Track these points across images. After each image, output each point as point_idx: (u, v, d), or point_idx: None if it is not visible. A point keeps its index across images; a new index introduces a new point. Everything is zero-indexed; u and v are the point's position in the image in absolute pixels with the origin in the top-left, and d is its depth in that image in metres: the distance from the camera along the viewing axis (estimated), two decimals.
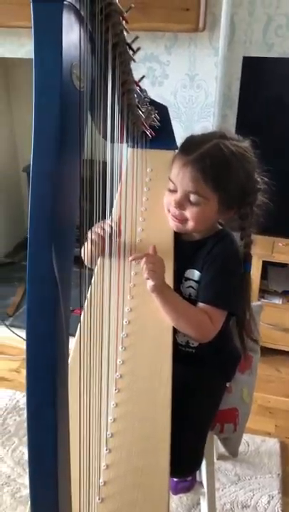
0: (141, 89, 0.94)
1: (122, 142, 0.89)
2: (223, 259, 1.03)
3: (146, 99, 1.01)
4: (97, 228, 0.96)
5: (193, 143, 1.01)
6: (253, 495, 1.55)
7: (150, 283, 0.95)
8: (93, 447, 0.79)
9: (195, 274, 1.06)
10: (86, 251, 1.01)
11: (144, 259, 0.95)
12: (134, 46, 0.78)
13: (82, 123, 0.61)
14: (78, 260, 0.73)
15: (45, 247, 0.56)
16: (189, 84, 2.09)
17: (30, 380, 0.56)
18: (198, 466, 1.04)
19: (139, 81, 0.87)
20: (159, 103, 1.14)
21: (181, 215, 1.03)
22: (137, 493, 0.83)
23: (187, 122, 2.12)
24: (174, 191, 1.03)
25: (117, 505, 0.81)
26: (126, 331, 1.01)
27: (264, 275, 2.18)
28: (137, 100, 0.92)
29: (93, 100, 0.73)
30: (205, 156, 0.98)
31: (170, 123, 1.19)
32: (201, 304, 1.02)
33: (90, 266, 1.06)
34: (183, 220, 1.03)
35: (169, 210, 1.05)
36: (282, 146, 1.98)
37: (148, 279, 0.95)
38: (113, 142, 0.87)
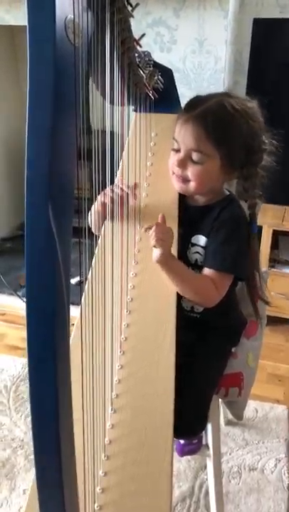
0: (145, 51, 0.91)
1: (123, 105, 0.87)
2: (231, 224, 1.02)
3: (149, 60, 0.99)
4: (109, 191, 0.96)
5: (196, 101, 1.00)
6: (261, 458, 1.57)
7: (157, 252, 0.95)
8: (97, 408, 0.81)
9: (201, 239, 1.06)
10: (94, 215, 1.01)
11: (153, 228, 0.95)
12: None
13: (77, 78, 0.61)
14: (78, 232, 0.72)
15: (42, 202, 0.56)
16: (198, 49, 2.04)
17: (31, 332, 0.57)
18: (202, 428, 1.05)
19: (140, 39, 0.85)
20: (163, 65, 1.12)
21: (183, 174, 1.02)
22: (141, 452, 0.85)
23: (196, 89, 2.08)
24: (177, 151, 1.01)
25: (121, 462, 0.84)
26: (130, 295, 1.02)
27: (274, 244, 2.16)
28: (138, 60, 0.91)
29: (91, 59, 0.72)
30: (207, 112, 0.96)
31: (175, 86, 1.16)
32: (206, 270, 1.02)
33: (96, 232, 1.06)
34: (185, 180, 1.02)
35: (173, 172, 1.04)
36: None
37: (155, 247, 0.94)
38: (113, 104, 0.86)
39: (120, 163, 1.09)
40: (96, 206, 1.03)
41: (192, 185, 1.02)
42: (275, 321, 2.01)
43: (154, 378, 0.92)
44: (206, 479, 1.47)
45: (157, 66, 1.08)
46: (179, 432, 0.91)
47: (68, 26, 0.58)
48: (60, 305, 0.56)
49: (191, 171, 1.01)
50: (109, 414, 0.89)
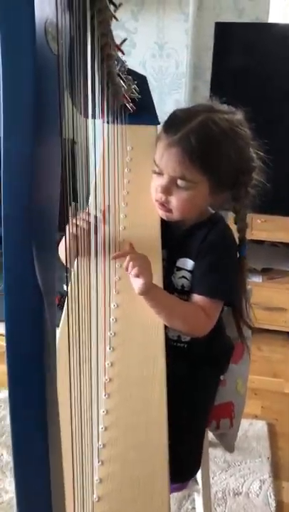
0: (123, 56, 0.82)
1: (102, 117, 0.77)
2: (220, 246, 0.95)
3: (125, 67, 0.89)
4: (78, 221, 0.83)
5: (177, 120, 0.90)
6: (244, 481, 1.51)
7: (138, 284, 0.86)
8: (85, 460, 0.71)
9: (188, 263, 0.97)
10: (66, 247, 0.88)
11: (127, 259, 0.85)
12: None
13: (61, 94, 0.51)
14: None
15: (24, 246, 0.46)
16: (158, 53, 1.97)
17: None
18: (198, 467, 0.97)
19: (121, 44, 0.75)
20: (137, 72, 1.03)
21: (167, 201, 0.92)
22: (136, 506, 0.77)
23: (158, 95, 2.00)
24: (159, 174, 0.92)
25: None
26: (113, 329, 0.92)
27: None
28: (117, 68, 0.80)
29: (70, 69, 0.62)
30: (190, 135, 0.87)
31: (150, 95, 1.07)
32: (196, 296, 0.94)
33: (67, 265, 0.94)
34: (170, 208, 0.93)
35: (156, 198, 0.94)
36: (257, 118, 1.89)
37: (137, 277, 0.85)
38: (94, 118, 0.75)
39: (93, 181, 0.98)
40: (67, 240, 0.89)
41: (177, 212, 0.93)
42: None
43: (145, 424, 0.83)
44: (191, 509, 1.39)
45: (131, 73, 0.98)
46: (174, 476, 0.83)
47: (48, 31, 0.47)
48: (50, 381, 0.46)
49: (176, 198, 0.92)
50: (97, 467, 0.79)
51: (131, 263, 0.85)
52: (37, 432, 0.49)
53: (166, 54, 1.96)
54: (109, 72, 0.76)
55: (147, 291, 0.86)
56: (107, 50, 0.70)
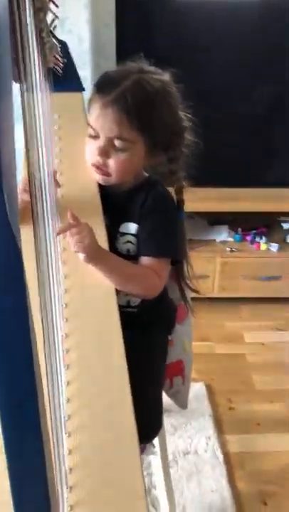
0: (57, 9, 0.78)
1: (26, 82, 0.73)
2: (161, 207, 0.96)
3: (54, 24, 0.85)
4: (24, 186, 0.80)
5: (110, 80, 0.90)
6: (192, 440, 1.57)
7: (82, 255, 0.84)
8: (53, 440, 0.69)
9: (131, 227, 0.97)
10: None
11: (68, 234, 0.83)
12: None
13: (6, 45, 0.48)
14: None
15: None
16: (60, 29, 1.91)
17: None
18: (160, 427, 0.99)
19: None
20: (56, 37, 0.99)
21: (105, 165, 0.91)
22: (108, 473, 0.76)
23: None
24: (95, 137, 0.91)
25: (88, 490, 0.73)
26: (65, 300, 0.90)
27: None
28: (48, 24, 0.77)
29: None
30: (126, 93, 0.87)
31: (72, 61, 1.04)
32: (144, 258, 0.94)
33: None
34: (108, 171, 0.92)
35: (92, 162, 0.92)
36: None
37: (78, 252, 0.83)
38: (17, 82, 0.71)
39: (22, 152, 0.94)
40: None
41: (116, 174, 0.93)
42: None
43: (108, 390, 0.83)
44: (146, 474, 1.42)
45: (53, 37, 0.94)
46: (140, 438, 0.83)
47: None
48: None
49: (114, 160, 0.91)
50: (64, 439, 0.78)
51: (72, 239, 0.83)
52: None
53: (67, 30, 1.92)
54: (40, 28, 0.72)
55: (96, 259, 0.85)
56: (39, 2, 0.67)
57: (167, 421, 1.62)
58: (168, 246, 0.95)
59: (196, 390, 1.75)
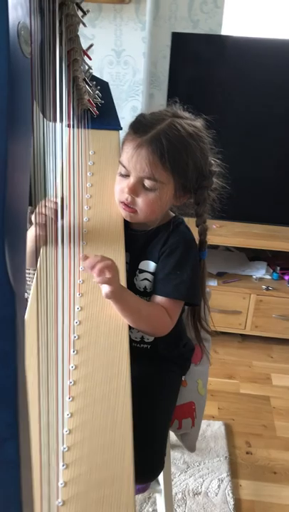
0: (90, 61, 0.83)
1: (69, 124, 0.77)
2: (181, 248, 0.97)
3: (89, 73, 0.90)
4: (41, 208, 0.83)
5: (145, 122, 0.92)
6: (203, 481, 1.54)
7: (107, 289, 0.85)
8: (50, 463, 0.71)
9: (150, 265, 0.99)
10: (34, 236, 0.87)
11: (96, 263, 0.84)
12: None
13: (32, 96, 0.51)
14: None
15: None
16: (116, 60, 1.99)
17: None
18: (162, 468, 0.98)
19: (87, 50, 0.76)
20: (99, 78, 1.04)
21: (133, 202, 0.94)
22: (101, 508, 0.77)
23: (115, 101, 2.01)
24: (125, 176, 0.93)
25: None
26: (77, 332, 0.92)
27: None
28: (83, 73, 0.81)
29: (44, 73, 0.62)
30: (160, 136, 0.89)
31: (112, 100, 1.08)
32: (158, 298, 0.95)
33: (29, 266, 0.94)
34: (134, 208, 0.95)
35: (120, 199, 0.95)
36: (210, 126, 1.95)
37: (104, 283, 0.85)
38: (55, 121, 0.76)
39: (56, 185, 0.98)
40: (30, 229, 0.89)
41: (143, 213, 0.94)
42: None
43: (112, 423, 0.83)
44: (152, 511, 1.40)
45: (94, 79, 0.99)
46: (139, 477, 0.83)
47: (21, 34, 0.47)
48: (21, 384, 0.46)
49: (143, 199, 0.93)
50: (61, 470, 0.79)
51: (99, 266, 0.84)
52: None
53: (123, 61, 1.98)
54: (75, 76, 0.76)
55: (117, 296, 0.86)
56: (74, 54, 0.71)
57: (180, 457, 1.60)
58: (184, 289, 0.95)
59: (215, 428, 1.72)
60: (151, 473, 0.95)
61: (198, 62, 1.93)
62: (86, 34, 1.95)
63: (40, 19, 0.59)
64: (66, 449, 0.82)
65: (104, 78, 2.01)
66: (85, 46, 1.88)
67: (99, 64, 1.99)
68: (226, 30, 2.15)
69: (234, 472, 1.58)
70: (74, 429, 0.84)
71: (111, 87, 2.04)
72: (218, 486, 1.52)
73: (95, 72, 1.98)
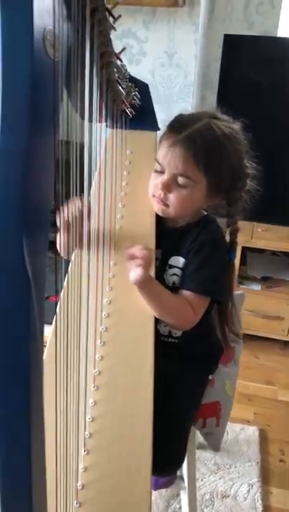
0: (122, 64, 0.86)
1: (100, 122, 0.81)
2: (209, 246, 0.98)
3: (126, 75, 0.94)
4: (67, 213, 0.87)
5: (182, 122, 0.95)
6: (233, 484, 1.53)
7: (136, 273, 0.88)
8: (71, 448, 0.74)
9: (180, 261, 1.01)
10: (61, 241, 0.92)
11: (138, 251, 0.88)
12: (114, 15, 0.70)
13: (56, 97, 0.55)
14: (53, 246, 0.67)
15: (14, 235, 0.49)
16: (168, 62, 2.01)
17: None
18: (180, 464, 1.00)
19: (120, 53, 0.79)
20: (139, 80, 1.07)
21: (166, 197, 0.96)
22: (117, 496, 0.79)
23: (166, 103, 2.05)
24: (160, 172, 0.96)
25: (97, 509, 0.77)
26: (105, 324, 0.95)
27: (243, 261, 2.15)
28: (116, 75, 0.85)
29: (69, 74, 0.66)
30: (196, 135, 0.91)
31: (151, 102, 1.11)
32: (184, 292, 0.97)
33: (66, 257, 0.99)
34: (167, 203, 0.97)
35: (154, 194, 0.98)
36: (262, 129, 1.93)
37: (138, 266, 0.88)
38: (91, 121, 0.80)
39: (93, 183, 1.02)
40: (60, 233, 0.92)
41: (174, 208, 0.97)
42: (243, 339, 1.99)
43: (132, 415, 0.86)
44: (179, 508, 1.42)
45: (133, 81, 1.02)
46: (157, 469, 0.86)
47: (47, 38, 0.51)
48: (36, 365, 0.49)
49: (175, 195, 0.95)
50: (82, 456, 0.83)
51: (138, 251, 0.88)
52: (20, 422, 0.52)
53: (175, 63, 2.01)
54: (108, 78, 0.80)
55: (145, 284, 0.89)
56: (107, 58, 0.75)
57: (212, 458, 1.60)
58: (211, 285, 0.97)
59: (249, 433, 1.71)
60: (171, 466, 0.97)
61: (250, 64, 1.91)
62: (140, 37, 2.00)
63: (72, 25, 0.63)
64: (88, 435, 0.86)
65: (156, 80, 2.05)
66: (136, 49, 1.92)
67: (151, 66, 2.03)
68: (282, 32, 2.12)
69: (265, 478, 1.56)
70: (97, 416, 0.88)
71: (162, 89, 2.08)
72: (248, 491, 1.51)
73: (147, 75, 2.03)
